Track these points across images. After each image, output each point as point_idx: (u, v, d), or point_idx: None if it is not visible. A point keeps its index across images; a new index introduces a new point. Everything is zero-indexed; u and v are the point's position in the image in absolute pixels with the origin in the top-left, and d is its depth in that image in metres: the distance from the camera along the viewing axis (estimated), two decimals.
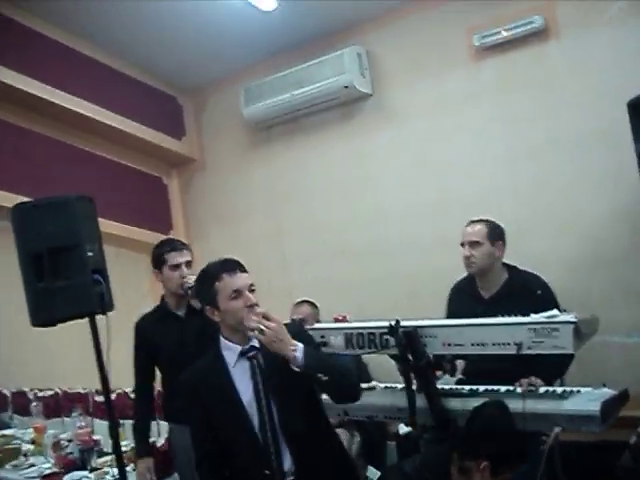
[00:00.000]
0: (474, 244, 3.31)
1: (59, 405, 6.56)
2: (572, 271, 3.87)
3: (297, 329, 2.64)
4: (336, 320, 2.99)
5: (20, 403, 7.19)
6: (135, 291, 5.53)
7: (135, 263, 5.75)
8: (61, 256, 3.11)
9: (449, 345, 2.56)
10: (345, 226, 4.77)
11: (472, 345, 2.51)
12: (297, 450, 2.47)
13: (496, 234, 3.31)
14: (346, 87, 4.44)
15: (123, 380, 4.17)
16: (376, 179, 4.69)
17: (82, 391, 6.45)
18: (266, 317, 2.38)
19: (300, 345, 2.40)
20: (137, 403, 3.67)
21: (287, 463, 2.47)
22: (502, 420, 2.31)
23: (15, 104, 4.42)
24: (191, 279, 3.36)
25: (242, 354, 2.50)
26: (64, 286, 3.09)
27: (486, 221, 3.37)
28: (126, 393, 5.49)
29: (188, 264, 3.50)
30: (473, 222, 3.39)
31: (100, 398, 6.00)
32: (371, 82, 4.60)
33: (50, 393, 6.84)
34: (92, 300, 3.12)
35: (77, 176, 4.52)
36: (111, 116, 4.79)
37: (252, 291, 2.47)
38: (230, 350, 2.52)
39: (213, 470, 2.55)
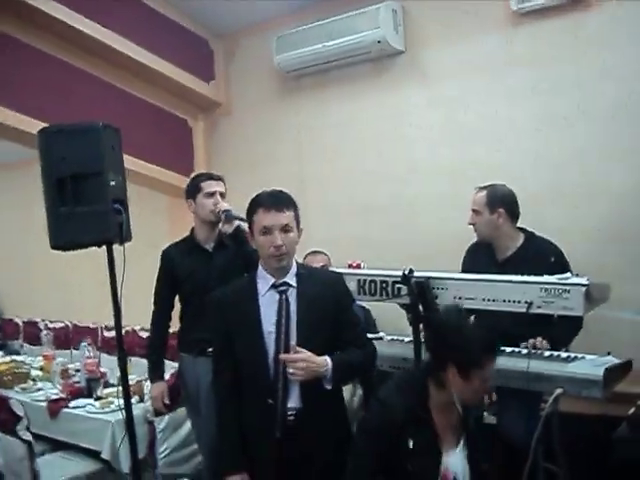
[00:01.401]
0: (475, 212, 3.34)
1: (68, 337, 6.69)
2: (589, 242, 3.85)
3: (337, 279, 2.70)
4: (350, 266, 3.01)
5: (31, 332, 7.35)
6: (153, 230, 5.57)
7: (155, 203, 5.81)
8: (84, 183, 3.14)
9: (460, 298, 2.58)
10: (368, 181, 4.77)
11: (483, 300, 2.54)
12: (305, 390, 2.50)
13: (496, 202, 3.28)
14: (379, 42, 4.40)
15: (133, 318, 4.24)
16: (402, 136, 4.67)
17: (92, 325, 6.58)
18: (291, 360, 2.41)
19: (330, 364, 2.43)
20: (153, 330, 3.73)
21: (292, 400, 2.52)
22: (454, 322, 2.25)
23: (50, 33, 4.43)
24: (224, 205, 3.45)
25: (274, 286, 2.55)
26: (84, 212, 3.12)
27: (489, 188, 3.34)
28: (135, 331, 5.60)
29: (222, 195, 3.55)
30: (478, 189, 3.39)
31: (109, 334, 6.12)
32: (404, 39, 4.56)
33: (60, 325, 6.98)
34: (111, 228, 3.16)
35: (104, 110, 4.52)
36: (143, 53, 4.79)
37: (287, 231, 2.48)
38: (264, 279, 2.57)
39: (228, 385, 2.61)
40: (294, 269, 2.58)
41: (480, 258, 3.34)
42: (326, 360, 2.44)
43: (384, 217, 4.63)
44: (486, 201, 3.29)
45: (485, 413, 3.32)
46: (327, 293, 2.57)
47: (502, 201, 3.28)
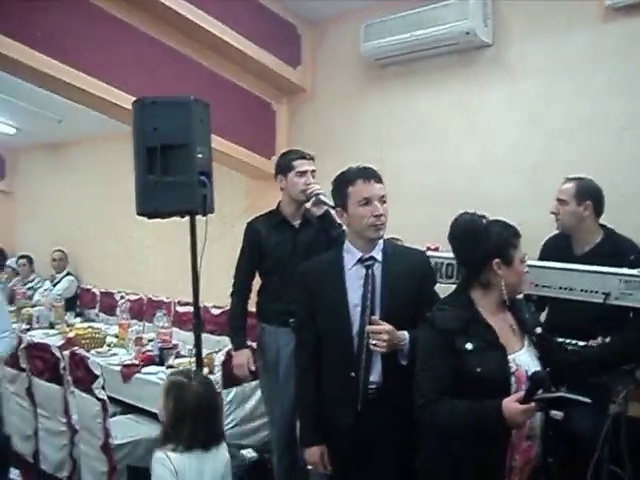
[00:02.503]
0: (561, 202, 3.32)
1: (142, 309, 6.91)
2: None
3: (423, 257, 2.76)
4: (428, 249, 3.03)
5: (107, 303, 7.62)
6: (232, 208, 5.71)
7: (234, 183, 5.94)
8: (172, 153, 3.26)
9: (537, 285, 2.58)
10: (445, 172, 4.76)
11: (560, 288, 2.53)
12: (386, 365, 2.55)
13: (585, 194, 3.27)
14: (467, 33, 4.37)
15: (205, 295, 4.35)
16: (483, 131, 4.64)
17: (165, 299, 6.77)
18: (374, 332, 2.47)
19: (408, 339, 2.50)
20: (235, 300, 3.79)
21: (374, 375, 2.57)
22: (477, 223, 2.33)
23: (144, 11, 4.57)
24: (317, 187, 3.50)
25: (360, 261, 2.60)
26: (171, 182, 3.24)
27: (579, 180, 3.34)
28: (206, 308, 5.74)
29: (313, 173, 3.60)
30: (567, 180, 3.38)
31: (181, 309, 6.30)
32: (492, 32, 4.51)
33: (135, 297, 7.20)
34: (195, 199, 3.27)
35: (192, 88, 4.59)
36: (233, 35, 4.88)
37: (384, 202, 2.56)
38: (350, 254, 2.62)
39: (309, 356, 2.68)
40: (380, 245, 2.63)
41: (558, 251, 3.31)
42: (405, 335, 2.50)
43: (457, 208, 4.59)
44: (575, 192, 3.28)
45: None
46: (412, 271, 2.63)
47: (591, 194, 3.28)
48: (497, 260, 2.25)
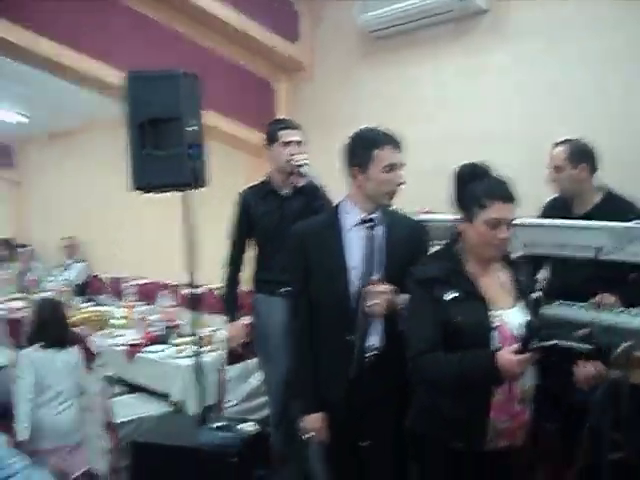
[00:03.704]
0: (556, 168, 3.23)
1: (149, 293, 6.93)
2: None
3: (421, 225, 2.73)
4: (420, 212, 3.00)
5: (115, 288, 7.66)
6: (231, 185, 5.66)
7: (233, 159, 5.89)
8: (163, 127, 3.26)
9: (529, 245, 2.53)
10: (445, 144, 4.69)
11: (552, 246, 2.48)
12: (388, 327, 2.51)
13: (579, 156, 3.17)
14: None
15: (209, 278, 4.34)
16: (484, 100, 4.59)
17: (173, 283, 6.78)
18: (375, 292, 2.43)
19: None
20: (227, 271, 3.78)
21: (374, 339, 2.52)
22: (469, 173, 2.31)
23: None
24: (301, 158, 3.46)
25: (362, 221, 2.55)
26: (162, 155, 3.25)
27: (568, 142, 3.23)
28: (211, 290, 5.73)
29: (299, 144, 3.57)
30: (557, 144, 3.27)
31: (186, 290, 6.29)
32: None
33: (142, 282, 7.24)
34: (186, 172, 3.27)
35: (189, 66, 4.63)
36: (227, 10, 4.84)
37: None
38: (350, 214, 2.57)
39: (305, 322, 2.62)
40: (379, 209, 2.59)
41: (557, 212, 3.25)
42: (405, 299, 2.41)
43: None
44: (568, 155, 3.19)
45: None
46: (412, 236, 2.60)
47: (585, 155, 3.18)
48: (461, 214, 2.24)
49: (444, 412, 2.21)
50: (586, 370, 2.12)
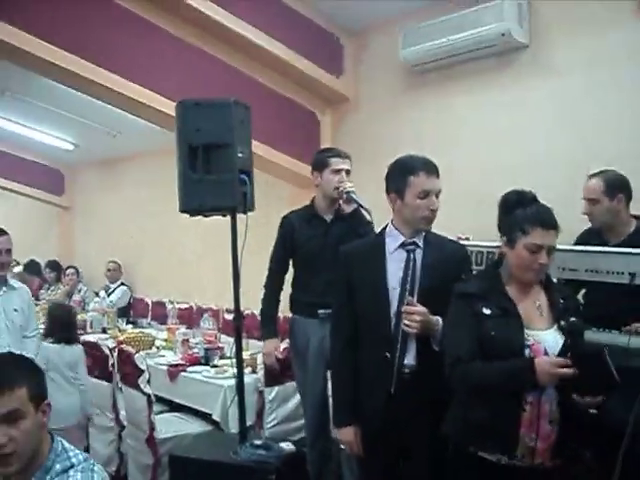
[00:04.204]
0: (592, 201, 3.28)
1: (192, 317, 7.07)
2: None
3: (461, 248, 2.84)
4: (459, 238, 3.09)
5: (158, 312, 7.81)
6: (274, 214, 5.80)
7: (276, 189, 6.03)
8: (214, 152, 3.39)
9: (564, 269, 2.61)
10: (487, 174, 4.77)
11: (586, 271, 2.55)
12: (421, 348, 2.60)
13: (615, 187, 3.23)
14: (503, 35, 4.42)
15: (252, 303, 4.45)
16: (524, 132, 4.66)
17: (214, 307, 6.92)
18: (409, 312, 2.54)
19: (441, 324, 2.54)
20: (266, 289, 3.90)
21: (409, 357, 2.61)
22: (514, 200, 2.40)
23: (192, 25, 4.77)
24: (349, 185, 3.59)
25: (403, 245, 2.67)
26: (213, 180, 3.36)
27: (604, 174, 3.29)
28: (254, 314, 5.83)
29: (347, 172, 3.70)
30: (591, 176, 3.32)
31: (229, 316, 6.42)
32: (529, 33, 4.56)
33: (185, 306, 7.38)
34: (236, 196, 3.39)
35: (236, 96, 4.82)
36: (277, 45, 5.03)
37: (437, 197, 2.63)
38: (393, 238, 2.69)
39: (346, 338, 2.73)
40: (422, 233, 2.70)
41: (592, 244, 3.31)
42: (438, 320, 2.55)
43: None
44: (605, 188, 3.24)
45: None
46: (451, 259, 2.69)
47: (621, 186, 3.24)
48: (504, 239, 2.34)
49: (476, 421, 2.29)
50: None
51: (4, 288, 4.03)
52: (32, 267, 9.33)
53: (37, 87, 6.05)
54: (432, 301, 2.56)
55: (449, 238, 2.87)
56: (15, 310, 3.99)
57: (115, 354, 4.45)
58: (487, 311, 2.27)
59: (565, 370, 2.10)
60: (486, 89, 4.85)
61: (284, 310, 4.06)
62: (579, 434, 2.39)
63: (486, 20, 4.44)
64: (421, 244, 2.68)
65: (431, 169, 2.62)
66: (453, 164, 4.95)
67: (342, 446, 2.80)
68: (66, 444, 1.86)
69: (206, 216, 3.61)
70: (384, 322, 2.61)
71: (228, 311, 6.56)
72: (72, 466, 1.80)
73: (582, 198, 3.34)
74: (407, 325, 2.53)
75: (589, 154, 4.25)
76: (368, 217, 3.44)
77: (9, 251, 4.13)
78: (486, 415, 2.26)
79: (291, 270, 3.95)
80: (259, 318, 4.19)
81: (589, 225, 3.44)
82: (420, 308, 2.54)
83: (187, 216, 3.56)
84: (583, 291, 3.23)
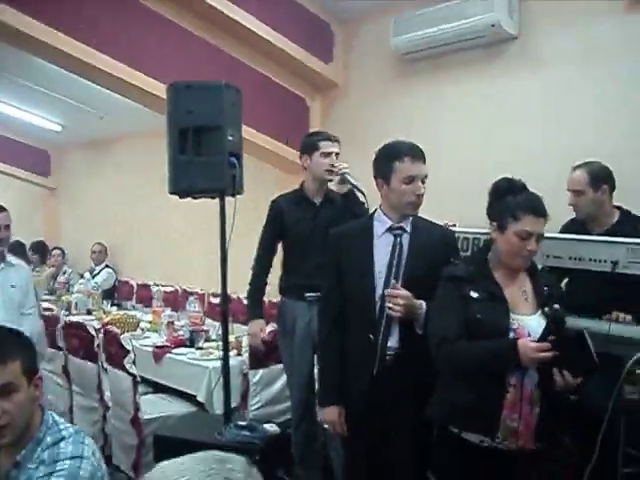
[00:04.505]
0: (577, 192, 3.33)
1: (177, 300, 7.07)
2: None
3: (449, 234, 2.89)
4: (446, 225, 3.13)
5: (143, 294, 7.81)
6: (262, 199, 5.82)
7: (264, 173, 6.03)
8: (205, 135, 3.39)
9: (548, 257, 2.65)
10: (475, 166, 4.80)
11: (570, 259, 2.60)
12: (404, 331, 2.64)
13: (599, 179, 3.28)
14: (493, 26, 4.45)
15: (238, 287, 4.46)
16: (512, 123, 4.71)
17: (200, 291, 6.92)
18: (392, 295, 2.58)
19: (424, 308, 2.59)
20: (254, 271, 3.92)
21: (392, 340, 2.65)
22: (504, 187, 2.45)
23: (180, 6, 4.76)
24: (344, 165, 3.61)
25: (390, 229, 2.70)
26: (203, 162, 3.36)
27: (588, 165, 3.34)
28: (239, 298, 5.85)
29: (337, 156, 3.72)
30: (575, 168, 3.37)
31: (214, 300, 6.43)
32: (518, 24, 4.59)
33: (171, 289, 7.38)
34: (225, 179, 3.40)
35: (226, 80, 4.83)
36: (267, 30, 5.02)
37: (424, 182, 2.65)
38: (381, 222, 2.73)
39: (333, 319, 2.79)
40: (410, 218, 2.73)
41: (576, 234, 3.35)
42: (422, 304, 2.59)
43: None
44: (589, 180, 3.29)
45: None
46: (438, 245, 2.73)
47: (605, 177, 3.29)
48: (494, 224, 2.39)
49: (462, 404, 2.33)
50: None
51: (2, 264, 4.01)
52: (17, 248, 9.27)
53: (25, 67, 6.00)
54: (417, 285, 2.60)
55: (434, 222, 2.91)
56: (12, 286, 3.97)
57: (101, 334, 4.45)
58: (475, 294, 2.32)
59: (545, 354, 2.14)
60: (475, 79, 4.88)
61: (270, 294, 4.09)
62: (559, 418, 2.44)
63: (476, 11, 4.46)
64: (408, 229, 2.71)
65: (417, 154, 2.64)
66: (441, 152, 4.99)
67: (325, 426, 2.84)
68: (57, 417, 1.89)
69: (195, 198, 3.63)
70: (369, 305, 2.65)
71: (214, 295, 6.57)
72: (63, 438, 1.82)
73: (567, 189, 3.37)
74: (390, 308, 2.57)
75: (576, 145, 4.29)
76: (362, 198, 3.46)
77: (7, 227, 4.19)
78: (471, 397, 2.30)
79: (280, 254, 3.96)
80: (245, 302, 4.20)
81: (574, 215, 3.50)
82: (403, 292, 2.58)
83: (176, 199, 3.57)
84: (566, 280, 3.28)
